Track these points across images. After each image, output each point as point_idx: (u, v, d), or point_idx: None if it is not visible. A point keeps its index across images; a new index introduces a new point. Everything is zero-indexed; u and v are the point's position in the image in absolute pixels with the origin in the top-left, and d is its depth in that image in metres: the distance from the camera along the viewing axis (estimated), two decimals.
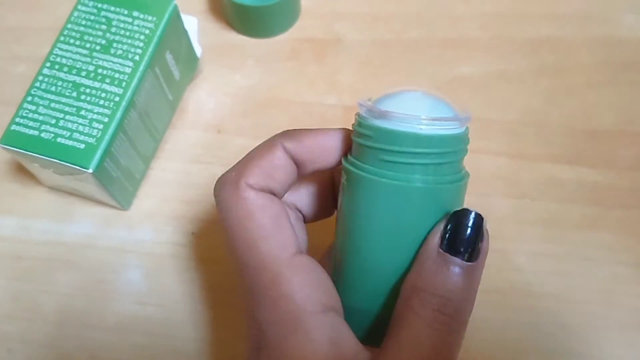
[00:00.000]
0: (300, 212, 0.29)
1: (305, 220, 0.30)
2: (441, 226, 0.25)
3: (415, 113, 0.24)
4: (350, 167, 0.26)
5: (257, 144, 0.40)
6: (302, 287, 0.24)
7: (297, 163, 0.27)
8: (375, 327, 0.26)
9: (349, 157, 0.26)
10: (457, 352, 0.24)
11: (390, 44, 0.43)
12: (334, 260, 0.27)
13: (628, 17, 0.44)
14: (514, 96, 0.41)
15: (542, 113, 0.41)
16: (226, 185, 0.26)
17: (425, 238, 0.25)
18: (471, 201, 0.38)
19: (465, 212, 0.25)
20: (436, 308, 0.23)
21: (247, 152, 0.40)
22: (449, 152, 0.25)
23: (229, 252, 0.26)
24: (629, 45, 0.43)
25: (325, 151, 0.27)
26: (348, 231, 0.26)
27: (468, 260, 0.24)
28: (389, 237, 0.25)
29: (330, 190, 0.30)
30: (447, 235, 0.24)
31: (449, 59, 0.43)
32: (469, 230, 0.24)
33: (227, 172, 0.26)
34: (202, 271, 0.37)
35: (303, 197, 0.29)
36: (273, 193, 0.26)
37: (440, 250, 0.24)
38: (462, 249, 0.24)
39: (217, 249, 0.37)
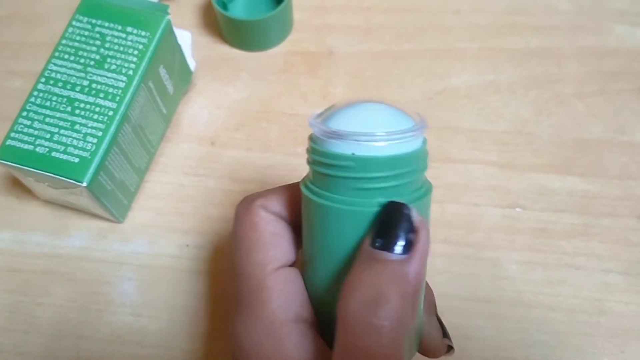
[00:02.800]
0: None
1: None
2: (373, 224, 0.23)
3: (370, 129, 0.22)
4: (305, 191, 0.25)
5: (251, 156, 0.41)
6: (278, 297, 0.25)
7: None
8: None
9: (307, 181, 0.25)
10: (398, 350, 0.22)
11: (382, 56, 0.44)
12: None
13: (617, 28, 0.44)
14: (504, 107, 0.42)
15: (532, 123, 0.41)
16: (244, 201, 0.27)
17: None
18: (462, 211, 0.38)
19: (394, 205, 0.23)
20: (363, 308, 0.22)
21: (240, 164, 0.40)
22: (408, 171, 0.23)
23: (230, 261, 0.27)
24: (618, 56, 0.43)
25: None
26: (306, 253, 0.26)
27: (401, 255, 0.22)
28: (345, 261, 0.24)
29: None
30: (376, 231, 0.23)
31: (439, 70, 0.43)
32: (393, 222, 0.23)
33: (250, 195, 0.28)
34: (196, 283, 0.37)
35: None
36: (284, 219, 0.27)
37: (369, 247, 0.23)
38: (390, 243, 0.22)
39: (211, 260, 0.38)
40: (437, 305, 0.29)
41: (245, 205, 0.27)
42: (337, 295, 0.23)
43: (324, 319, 0.26)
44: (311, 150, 0.25)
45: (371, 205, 0.23)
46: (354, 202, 0.23)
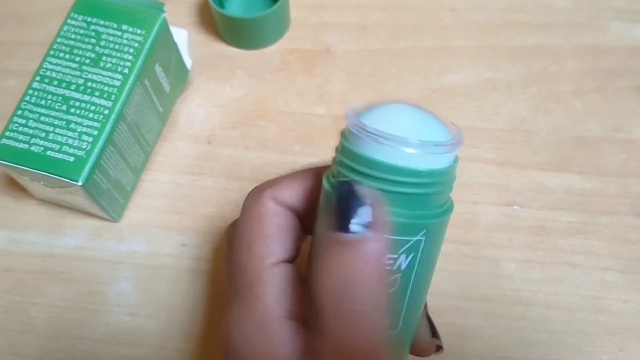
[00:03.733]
0: None
1: None
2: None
3: (404, 134, 0.22)
4: (329, 188, 0.24)
5: (248, 155, 0.41)
6: (273, 292, 0.24)
7: None
8: None
9: (330, 177, 0.25)
10: (377, 330, 0.22)
11: (379, 54, 0.44)
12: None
13: (615, 25, 0.44)
14: (502, 104, 0.42)
15: (530, 121, 0.41)
16: (253, 191, 0.27)
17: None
18: (460, 209, 0.38)
19: (338, 185, 0.23)
20: (333, 295, 0.22)
21: (237, 163, 0.40)
22: (435, 183, 0.23)
23: (230, 249, 0.26)
24: (616, 53, 0.43)
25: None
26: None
27: (359, 233, 0.21)
28: None
29: None
30: (329, 214, 0.22)
31: (437, 68, 0.43)
32: (344, 202, 0.22)
33: (260, 184, 0.27)
34: (193, 282, 0.37)
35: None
36: (293, 209, 0.26)
37: (326, 231, 0.22)
38: (344, 223, 0.22)
39: (208, 260, 0.38)
40: (434, 303, 0.29)
41: (254, 195, 0.26)
42: None
43: None
44: (341, 150, 0.24)
45: (392, 214, 0.23)
46: None
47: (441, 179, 0.23)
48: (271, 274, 0.25)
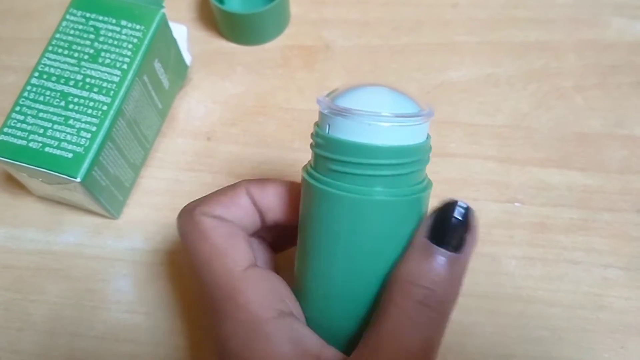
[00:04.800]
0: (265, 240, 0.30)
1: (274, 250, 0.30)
2: (430, 217, 0.24)
3: (376, 109, 0.23)
4: (308, 178, 0.25)
5: (247, 151, 0.41)
6: (255, 297, 0.24)
7: (260, 210, 0.27)
8: (344, 339, 0.26)
9: (308, 167, 0.25)
10: (438, 345, 0.24)
11: (379, 50, 0.43)
12: (295, 274, 0.27)
13: (616, 21, 0.44)
14: (503, 100, 0.41)
15: (531, 117, 0.41)
16: (183, 213, 0.27)
17: (417, 228, 0.24)
18: None
19: (453, 202, 0.24)
20: (419, 299, 0.23)
21: (237, 159, 0.40)
22: (410, 162, 0.24)
23: (194, 273, 0.27)
24: (617, 49, 0.43)
25: (285, 203, 0.27)
26: (304, 243, 0.26)
27: (454, 251, 0.24)
28: (347, 252, 0.24)
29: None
30: (433, 225, 0.24)
31: (437, 64, 0.43)
32: (454, 220, 0.24)
33: (188, 204, 0.28)
34: (191, 280, 0.37)
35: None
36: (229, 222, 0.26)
37: (426, 240, 0.24)
38: (447, 239, 0.24)
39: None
40: None
41: (186, 216, 0.27)
42: (336, 280, 0.24)
43: (319, 324, 0.26)
44: (315, 134, 0.25)
45: (370, 194, 0.23)
46: (353, 189, 0.23)
47: (414, 157, 0.24)
48: (245, 281, 0.25)
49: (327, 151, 0.24)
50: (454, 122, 0.41)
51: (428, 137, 0.25)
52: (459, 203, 0.24)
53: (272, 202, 0.27)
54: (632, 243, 0.37)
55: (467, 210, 0.24)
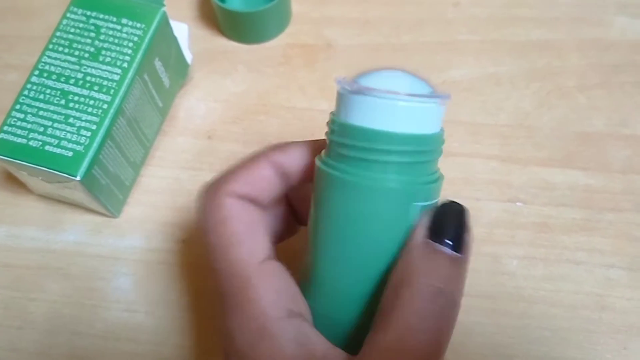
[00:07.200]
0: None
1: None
2: (426, 217, 0.24)
3: (395, 89, 0.23)
4: (321, 165, 0.25)
5: (248, 150, 0.40)
6: (267, 293, 0.24)
7: (284, 175, 0.27)
8: (351, 335, 0.26)
9: (322, 155, 0.25)
10: (447, 344, 0.24)
11: (381, 49, 0.43)
12: (305, 266, 0.27)
13: (619, 20, 0.44)
14: (505, 100, 0.41)
15: (534, 116, 0.41)
16: (207, 191, 0.26)
17: (412, 230, 0.24)
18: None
19: (450, 203, 0.25)
20: (428, 298, 0.23)
21: (238, 158, 0.40)
22: (424, 151, 0.24)
23: (207, 258, 0.26)
24: (620, 48, 0.43)
25: (311, 162, 0.26)
26: (316, 233, 0.25)
27: (456, 251, 0.24)
28: (358, 239, 0.24)
29: (288, 208, 0.30)
30: (433, 225, 0.24)
31: (439, 63, 0.43)
32: (454, 221, 0.24)
33: (211, 179, 0.26)
34: (192, 278, 0.37)
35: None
36: (254, 201, 0.26)
37: (428, 240, 0.24)
38: (447, 240, 0.24)
39: (207, 256, 0.37)
40: None
41: (210, 195, 0.25)
42: (346, 268, 0.24)
43: (327, 316, 0.26)
44: (330, 121, 0.25)
45: (383, 181, 0.23)
46: (366, 176, 0.23)
47: (429, 146, 0.24)
48: (260, 275, 0.24)
49: (342, 137, 0.24)
50: (455, 121, 0.41)
51: (442, 129, 0.25)
52: (456, 204, 0.25)
53: (298, 165, 0.26)
54: (634, 243, 0.37)
55: (464, 210, 0.25)
